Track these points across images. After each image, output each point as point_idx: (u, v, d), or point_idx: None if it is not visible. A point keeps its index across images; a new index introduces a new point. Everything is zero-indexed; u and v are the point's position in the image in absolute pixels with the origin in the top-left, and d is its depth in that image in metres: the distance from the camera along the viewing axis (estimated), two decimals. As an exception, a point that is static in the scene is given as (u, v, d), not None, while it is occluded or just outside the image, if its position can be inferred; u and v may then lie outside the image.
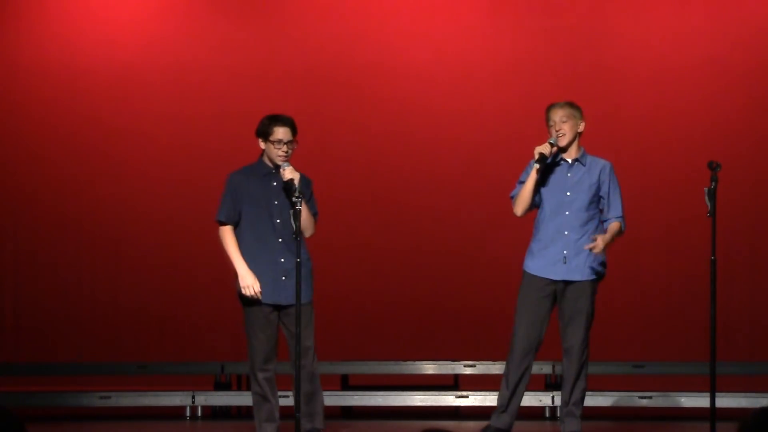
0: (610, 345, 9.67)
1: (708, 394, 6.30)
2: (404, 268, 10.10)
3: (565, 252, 6.48)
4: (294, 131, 6.46)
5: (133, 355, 9.87)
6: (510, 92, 9.99)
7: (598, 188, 6.54)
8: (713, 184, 6.18)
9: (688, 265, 9.66)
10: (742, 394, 8.31)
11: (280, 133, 6.43)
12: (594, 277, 6.54)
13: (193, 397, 8.71)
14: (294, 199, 6.24)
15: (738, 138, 9.84)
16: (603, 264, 6.61)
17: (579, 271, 6.49)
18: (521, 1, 10.21)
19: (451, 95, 10.14)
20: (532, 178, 6.47)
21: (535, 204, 6.58)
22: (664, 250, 9.87)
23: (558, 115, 6.55)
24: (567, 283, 6.50)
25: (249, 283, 6.37)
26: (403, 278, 10.09)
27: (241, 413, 9.03)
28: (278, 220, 6.39)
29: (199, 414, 8.76)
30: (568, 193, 6.52)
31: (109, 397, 8.71)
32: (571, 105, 6.62)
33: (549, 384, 8.82)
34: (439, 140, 10.13)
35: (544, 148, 6.45)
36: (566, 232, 6.50)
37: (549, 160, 6.49)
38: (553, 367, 8.78)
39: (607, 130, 9.97)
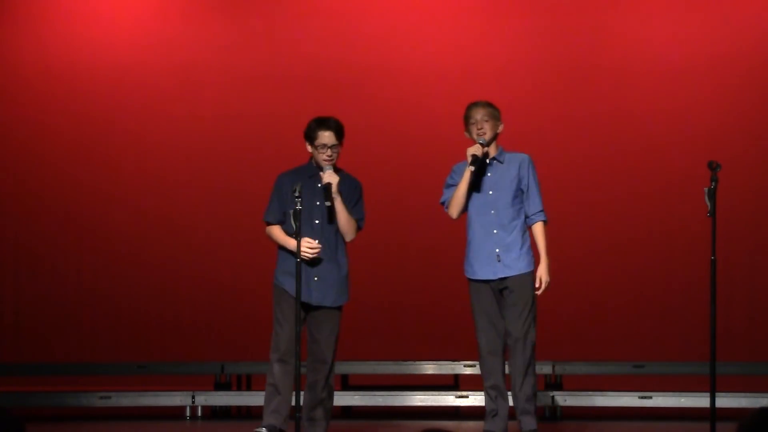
0: (610, 345, 9.68)
1: (708, 394, 6.29)
2: (404, 268, 10.10)
3: (497, 250, 6.51)
4: (339, 135, 6.48)
5: (133, 355, 9.87)
6: (510, 92, 9.98)
7: (519, 182, 6.56)
8: (713, 184, 6.17)
9: (687, 265, 9.66)
10: (742, 394, 8.31)
11: (324, 137, 6.46)
12: (530, 269, 6.54)
13: (193, 397, 8.71)
14: (326, 203, 6.36)
15: (738, 138, 9.84)
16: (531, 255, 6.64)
17: (513, 266, 6.51)
18: (521, 1, 10.21)
19: (451, 95, 10.12)
20: (465, 180, 6.51)
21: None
22: (664, 250, 9.87)
23: (480, 114, 6.58)
24: (505, 279, 6.50)
25: (306, 248, 6.31)
26: (403, 278, 10.09)
27: (241, 413, 9.03)
28: (317, 221, 6.42)
29: (199, 414, 8.75)
30: (491, 192, 6.55)
31: (109, 397, 8.70)
32: (492, 105, 6.67)
33: (549, 384, 8.81)
34: (438, 140, 10.11)
35: (476, 150, 6.48)
36: (495, 231, 6.53)
37: (480, 161, 6.51)
38: (553, 367, 8.78)
39: (606, 129, 9.99)
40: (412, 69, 10.18)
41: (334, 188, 6.39)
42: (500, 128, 6.62)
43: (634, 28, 10.02)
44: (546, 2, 10.16)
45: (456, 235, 10.02)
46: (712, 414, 6.23)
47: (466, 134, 6.62)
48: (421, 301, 10.03)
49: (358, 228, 6.56)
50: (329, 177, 6.41)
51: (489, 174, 6.57)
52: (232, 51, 10.26)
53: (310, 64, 10.21)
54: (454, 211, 6.62)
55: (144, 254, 10.22)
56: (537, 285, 6.51)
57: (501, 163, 6.59)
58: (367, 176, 10.09)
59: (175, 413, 8.76)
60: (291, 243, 6.33)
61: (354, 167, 10.08)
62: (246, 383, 9.30)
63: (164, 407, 8.80)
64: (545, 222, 6.61)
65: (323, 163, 6.48)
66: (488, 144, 6.56)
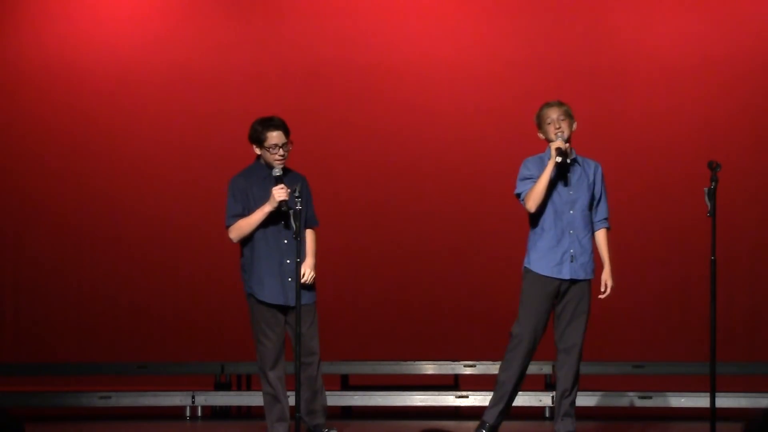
0: (610, 345, 9.68)
1: (708, 394, 6.30)
2: (404, 268, 10.10)
3: (572, 251, 6.51)
4: (287, 133, 6.43)
5: (133, 355, 9.88)
6: (510, 92, 9.99)
7: (594, 187, 6.59)
8: (713, 184, 6.18)
9: (687, 265, 9.66)
10: (742, 394, 8.29)
11: (274, 137, 6.40)
12: (593, 275, 6.59)
13: (193, 397, 8.71)
14: (292, 209, 6.27)
15: (738, 138, 9.84)
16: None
17: (584, 269, 6.55)
18: (521, 1, 10.21)
19: (451, 95, 10.14)
20: (548, 173, 6.46)
21: None
22: (663, 250, 9.88)
23: (556, 113, 6.56)
24: (571, 282, 6.51)
25: (277, 197, 6.29)
26: (403, 278, 10.09)
27: (241, 413, 9.03)
28: (281, 222, 6.40)
29: (199, 414, 8.75)
30: (571, 192, 6.55)
31: (109, 397, 8.70)
32: (566, 104, 6.64)
33: (549, 384, 8.81)
34: (438, 140, 10.13)
35: (561, 144, 6.46)
36: (572, 231, 6.54)
37: (565, 156, 6.51)
38: (553, 367, 8.76)
39: (606, 130, 9.98)
40: (412, 69, 10.18)
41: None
42: (574, 127, 6.61)
43: (634, 28, 10.02)
44: (546, 2, 10.16)
45: (456, 234, 10.07)
46: (712, 414, 6.24)
47: (539, 135, 6.60)
48: (421, 301, 10.03)
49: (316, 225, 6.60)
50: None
51: (569, 173, 6.57)
52: (232, 50, 10.26)
53: (311, 63, 10.21)
54: (533, 204, 6.51)
55: (144, 254, 10.22)
56: (602, 289, 6.58)
57: (579, 164, 6.61)
58: (367, 176, 10.16)
59: (175, 413, 8.76)
60: (259, 214, 6.32)
61: (353, 166, 10.14)
62: (246, 383, 9.31)
63: (164, 407, 8.80)
64: (608, 230, 6.64)
65: (275, 164, 6.41)
66: (567, 142, 6.55)
